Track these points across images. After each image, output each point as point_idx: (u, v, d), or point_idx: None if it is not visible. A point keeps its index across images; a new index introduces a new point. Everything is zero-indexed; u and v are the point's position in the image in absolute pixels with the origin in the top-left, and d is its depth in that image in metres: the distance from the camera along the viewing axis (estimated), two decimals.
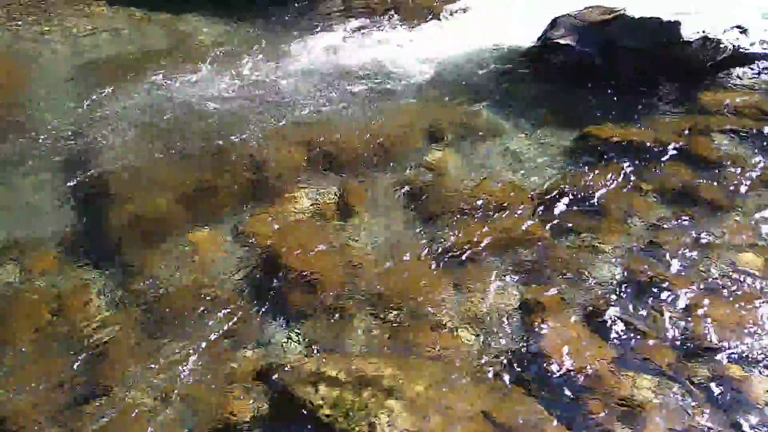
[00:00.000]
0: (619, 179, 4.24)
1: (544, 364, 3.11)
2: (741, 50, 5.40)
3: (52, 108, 4.95)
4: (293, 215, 4.02)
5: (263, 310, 3.43)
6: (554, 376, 3.06)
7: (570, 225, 3.92)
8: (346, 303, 3.44)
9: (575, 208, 4.05)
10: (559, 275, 3.59)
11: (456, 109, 5.05)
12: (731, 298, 3.42)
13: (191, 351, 3.21)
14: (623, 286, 3.52)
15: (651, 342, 3.20)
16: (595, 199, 4.09)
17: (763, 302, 3.39)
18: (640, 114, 4.94)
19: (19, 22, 6.14)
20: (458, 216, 3.99)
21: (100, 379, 3.08)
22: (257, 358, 3.18)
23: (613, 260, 3.68)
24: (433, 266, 3.67)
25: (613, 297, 3.46)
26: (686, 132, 4.67)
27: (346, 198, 4.16)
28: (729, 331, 3.24)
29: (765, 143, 4.54)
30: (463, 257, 3.71)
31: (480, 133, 4.77)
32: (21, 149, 4.52)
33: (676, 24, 5.29)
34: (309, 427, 2.80)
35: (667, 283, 3.50)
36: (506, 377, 3.07)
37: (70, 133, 4.67)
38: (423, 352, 3.19)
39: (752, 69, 5.42)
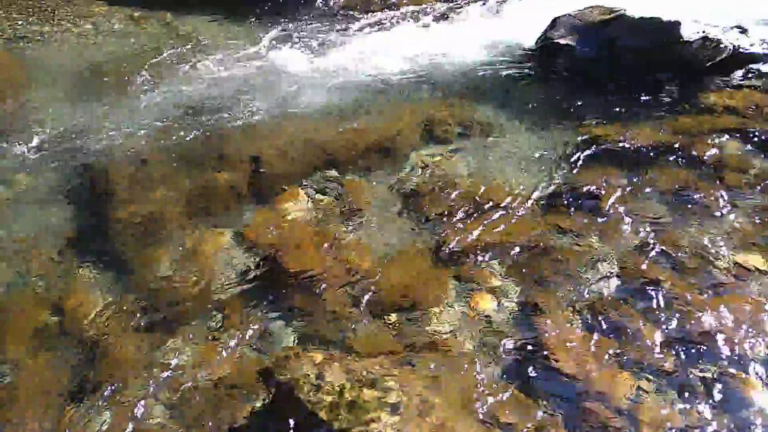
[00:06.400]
0: (619, 179, 4.24)
1: (544, 364, 3.11)
2: (741, 50, 5.40)
3: (52, 108, 4.95)
4: (293, 214, 4.02)
5: (263, 309, 3.43)
6: (554, 376, 3.06)
7: (570, 225, 3.92)
8: (345, 303, 3.44)
9: (575, 208, 4.05)
10: (559, 275, 3.59)
11: (456, 108, 5.05)
12: (732, 298, 3.41)
13: (191, 351, 3.20)
14: (623, 286, 3.52)
15: (651, 342, 3.20)
16: (595, 199, 4.09)
17: (763, 302, 3.38)
18: (640, 114, 4.94)
19: (19, 22, 6.14)
20: (458, 215, 3.99)
21: (100, 379, 3.08)
22: (257, 357, 3.18)
23: (613, 260, 3.67)
24: (433, 266, 3.67)
25: (613, 297, 3.45)
26: (686, 132, 4.68)
27: (345, 197, 4.16)
28: (729, 331, 3.24)
29: (765, 143, 4.55)
30: (463, 257, 3.71)
31: (480, 133, 4.77)
32: (21, 149, 4.52)
33: (676, 24, 5.30)
34: (309, 427, 2.80)
35: (667, 283, 3.50)
36: (506, 377, 3.06)
37: (70, 133, 4.67)
38: (423, 352, 3.18)
39: (752, 69, 5.42)
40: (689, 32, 5.33)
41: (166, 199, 4.08)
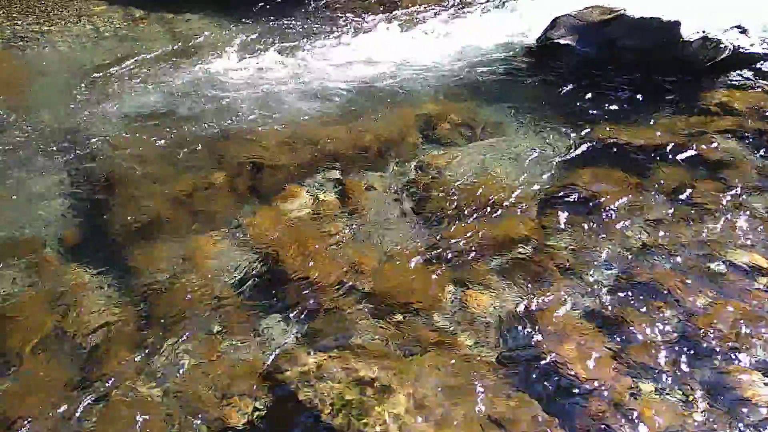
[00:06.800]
0: (619, 179, 4.25)
1: (544, 365, 3.11)
2: (741, 50, 5.41)
3: (52, 108, 4.95)
4: (293, 215, 4.02)
5: (263, 309, 3.43)
6: (554, 376, 3.06)
7: (570, 225, 3.92)
8: (345, 303, 3.44)
9: (575, 208, 4.05)
10: (559, 275, 3.59)
11: (456, 108, 5.05)
12: (732, 298, 3.42)
13: (191, 351, 3.20)
14: (623, 286, 3.52)
15: (651, 342, 3.20)
16: (595, 199, 4.09)
17: (763, 302, 3.39)
18: (640, 114, 4.94)
19: (19, 22, 6.14)
20: (458, 216, 3.99)
21: (100, 379, 3.08)
22: (257, 358, 3.18)
23: (613, 260, 3.68)
24: (433, 266, 3.66)
25: (613, 297, 3.46)
26: (686, 132, 4.68)
27: (345, 197, 4.16)
28: (729, 330, 3.24)
29: (765, 143, 4.55)
30: (463, 257, 3.71)
31: (480, 133, 4.78)
32: (21, 149, 4.52)
33: (676, 24, 5.30)
34: (309, 427, 2.80)
35: (667, 283, 3.50)
36: (506, 377, 3.06)
37: (70, 133, 4.67)
38: (423, 352, 3.18)
39: (752, 69, 5.42)
40: (689, 32, 5.33)
41: (166, 199, 4.08)
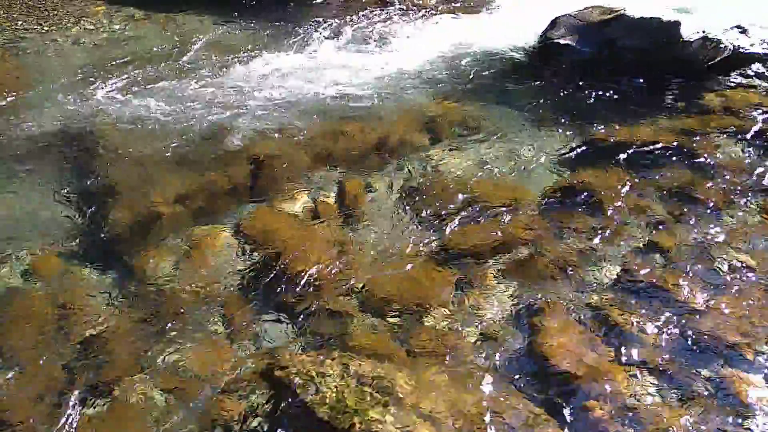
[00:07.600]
0: (619, 179, 4.25)
1: (544, 365, 3.11)
2: (741, 50, 5.41)
3: (52, 108, 4.95)
4: (293, 215, 4.02)
5: (263, 309, 3.43)
6: (554, 376, 3.06)
7: (570, 225, 3.92)
8: (346, 302, 3.44)
9: (575, 208, 4.05)
10: (559, 275, 3.59)
11: (456, 108, 5.05)
12: (731, 298, 3.42)
13: (191, 351, 3.20)
14: (623, 286, 3.52)
15: (651, 342, 3.20)
16: (595, 199, 4.09)
17: (763, 302, 3.38)
18: (640, 114, 4.94)
19: (19, 22, 6.14)
20: (458, 215, 3.99)
21: (100, 378, 3.08)
22: (257, 357, 3.18)
23: (613, 260, 3.68)
24: (433, 266, 3.67)
25: (613, 297, 3.45)
26: (686, 132, 4.68)
27: (346, 197, 4.16)
28: (729, 330, 3.24)
29: (765, 143, 4.55)
30: (463, 257, 3.71)
31: (480, 133, 4.78)
32: (21, 149, 4.52)
33: (676, 24, 5.31)
34: (309, 426, 2.80)
35: (667, 284, 3.50)
36: (506, 377, 3.06)
37: (70, 133, 4.67)
38: (423, 351, 3.18)
39: (752, 69, 5.42)
40: (689, 32, 5.34)
41: (166, 199, 4.08)
